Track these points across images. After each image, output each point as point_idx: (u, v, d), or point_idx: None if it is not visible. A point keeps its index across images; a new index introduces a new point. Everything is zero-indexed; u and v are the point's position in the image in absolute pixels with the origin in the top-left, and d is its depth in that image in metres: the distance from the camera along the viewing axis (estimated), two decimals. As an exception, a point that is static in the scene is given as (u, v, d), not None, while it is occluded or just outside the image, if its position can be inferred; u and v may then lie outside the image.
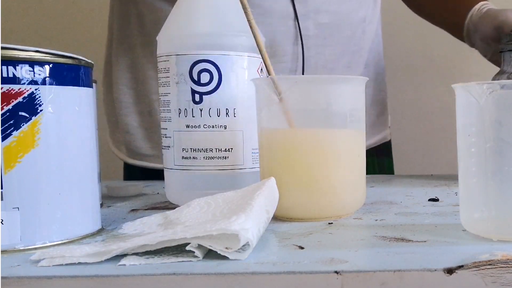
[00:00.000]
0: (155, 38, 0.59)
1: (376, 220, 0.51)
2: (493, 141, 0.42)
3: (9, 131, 0.40)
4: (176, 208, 0.49)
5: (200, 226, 0.40)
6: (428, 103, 1.29)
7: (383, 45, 0.97)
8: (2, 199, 0.40)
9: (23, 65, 0.41)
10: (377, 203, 0.60)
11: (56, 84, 0.42)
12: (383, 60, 0.97)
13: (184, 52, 0.55)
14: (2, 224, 0.41)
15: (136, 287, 0.35)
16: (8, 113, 0.40)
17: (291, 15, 0.81)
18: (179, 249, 0.39)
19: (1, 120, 0.40)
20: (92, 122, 0.47)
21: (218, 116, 0.56)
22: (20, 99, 0.41)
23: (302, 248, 0.41)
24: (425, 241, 0.43)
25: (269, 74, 0.53)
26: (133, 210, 0.58)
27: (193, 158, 0.56)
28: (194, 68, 0.55)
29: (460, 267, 0.36)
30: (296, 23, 0.81)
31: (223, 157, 0.56)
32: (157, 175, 0.76)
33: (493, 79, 0.72)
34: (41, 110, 0.41)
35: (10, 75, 0.40)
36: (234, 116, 0.56)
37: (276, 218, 0.51)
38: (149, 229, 0.45)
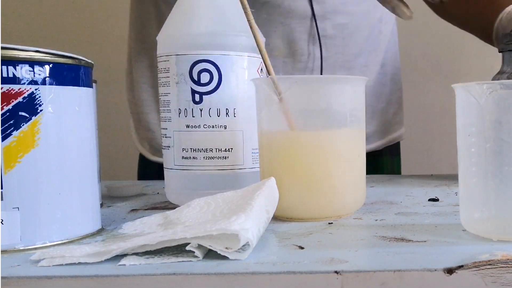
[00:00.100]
0: None
1: (376, 220, 0.51)
2: (493, 141, 0.42)
3: (9, 131, 0.40)
4: (176, 208, 0.49)
5: (200, 226, 0.40)
6: (428, 103, 1.29)
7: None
8: (2, 199, 0.40)
9: (23, 65, 0.41)
10: (377, 203, 0.60)
11: (56, 84, 0.42)
12: (399, 59, 0.98)
13: (184, 52, 0.55)
14: (2, 224, 0.41)
15: (136, 287, 0.35)
16: (8, 113, 0.40)
17: (309, 16, 0.83)
18: (179, 249, 0.39)
19: (1, 120, 0.40)
20: (92, 122, 0.47)
21: (218, 116, 0.56)
22: (20, 99, 0.41)
23: (302, 248, 0.41)
24: (425, 241, 0.43)
25: (269, 74, 0.53)
26: (133, 210, 0.58)
27: (193, 158, 0.56)
28: (194, 68, 0.55)
29: (460, 267, 0.36)
30: (314, 23, 0.83)
31: (223, 157, 0.56)
32: None
33: (493, 79, 0.72)
34: (41, 110, 0.41)
35: (10, 75, 0.40)
36: (234, 116, 0.56)
37: (276, 218, 0.51)
38: (149, 229, 0.45)
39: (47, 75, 0.42)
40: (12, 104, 0.40)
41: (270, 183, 0.48)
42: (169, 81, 0.56)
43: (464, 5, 0.89)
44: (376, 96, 0.92)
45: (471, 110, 0.43)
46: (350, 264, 0.37)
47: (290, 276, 0.35)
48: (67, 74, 0.43)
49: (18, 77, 0.40)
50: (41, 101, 0.41)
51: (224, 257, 0.38)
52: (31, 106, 0.41)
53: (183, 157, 0.56)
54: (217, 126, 0.56)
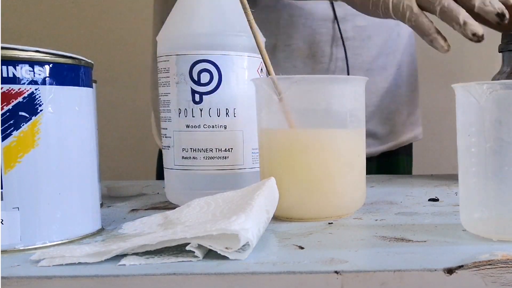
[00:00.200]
0: None
1: (376, 220, 0.51)
2: (493, 141, 0.42)
3: (9, 131, 0.40)
4: (176, 208, 0.49)
5: (200, 226, 0.40)
6: (428, 103, 1.29)
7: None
8: (2, 199, 0.40)
9: (23, 65, 0.41)
10: (377, 203, 0.60)
11: (56, 84, 0.42)
12: (416, 61, 0.99)
13: (184, 52, 0.55)
14: (2, 224, 0.41)
15: (136, 287, 0.35)
16: (8, 113, 0.40)
17: (331, 18, 0.84)
18: (179, 249, 0.39)
19: (1, 120, 0.40)
20: (92, 122, 0.47)
21: (218, 116, 0.56)
22: (20, 99, 0.41)
23: (302, 248, 0.41)
24: (425, 241, 0.43)
25: (269, 74, 0.53)
26: (133, 210, 0.58)
27: (193, 158, 0.56)
28: (194, 68, 0.55)
29: (460, 267, 0.36)
30: (336, 25, 0.84)
31: (223, 157, 0.56)
32: None
33: (493, 79, 0.72)
34: (41, 110, 0.41)
35: (10, 75, 0.40)
36: (234, 116, 0.56)
37: (276, 218, 0.51)
38: (149, 229, 0.45)
39: (47, 75, 0.42)
40: (12, 104, 0.40)
41: (270, 183, 0.48)
42: (169, 81, 0.56)
43: None
44: (392, 97, 0.93)
45: (471, 110, 0.43)
46: (350, 264, 0.37)
47: (290, 276, 0.35)
48: (67, 74, 0.43)
49: (18, 77, 0.40)
50: (41, 101, 0.41)
51: (224, 257, 0.38)
52: (31, 106, 0.41)
53: (183, 157, 0.56)
54: (217, 126, 0.56)
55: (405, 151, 1.00)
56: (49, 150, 0.42)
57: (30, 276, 0.36)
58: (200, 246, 0.38)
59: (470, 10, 0.60)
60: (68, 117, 0.43)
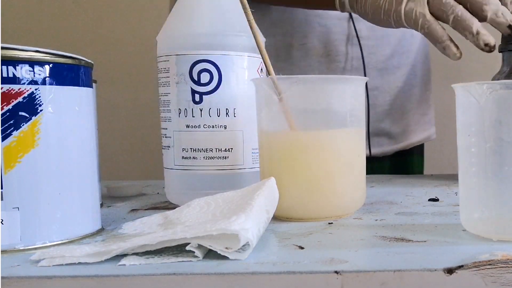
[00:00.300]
0: None
1: (376, 220, 0.51)
2: (493, 141, 0.42)
3: (9, 131, 0.40)
4: (176, 208, 0.49)
5: (200, 226, 0.40)
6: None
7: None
8: (2, 199, 0.40)
9: (23, 65, 0.41)
10: (377, 203, 0.60)
11: (56, 84, 0.42)
12: (429, 61, 0.99)
13: (184, 52, 0.55)
14: (2, 224, 0.41)
15: (136, 287, 0.35)
16: (8, 113, 0.40)
17: (346, 17, 0.85)
18: (179, 249, 0.39)
19: (1, 120, 0.40)
20: (92, 122, 0.47)
21: (218, 116, 0.56)
22: (20, 99, 0.41)
23: (302, 248, 0.41)
24: (425, 241, 0.43)
25: (269, 74, 0.53)
26: (133, 210, 0.58)
27: (193, 158, 0.56)
28: (194, 68, 0.55)
29: (460, 267, 0.36)
30: (351, 24, 0.85)
31: (223, 157, 0.56)
32: None
33: (493, 79, 0.72)
34: (41, 110, 0.41)
35: (10, 75, 0.40)
36: (234, 116, 0.56)
37: (276, 218, 0.51)
38: (149, 229, 0.45)
39: (47, 75, 0.42)
40: (12, 104, 0.40)
41: (270, 183, 0.48)
42: (169, 81, 0.56)
43: None
44: (405, 96, 0.93)
45: (471, 110, 0.43)
46: (350, 264, 0.37)
47: (290, 276, 0.35)
48: (67, 74, 0.43)
49: (18, 77, 0.40)
50: (41, 101, 0.41)
51: (224, 257, 0.38)
52: (31, 106, 0.41)
53: (183, 157, 0.56)
54: (217, 126, 0.56)
55: (418, 151, 1.00)
56: (49, 150, 0.42)
57: (30, 276, 0.36)
58: (200, 246, 0.38)
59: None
60: (68, 117, 0.43)
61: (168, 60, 0.56)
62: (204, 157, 0.56)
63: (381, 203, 0.60)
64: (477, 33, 0.59)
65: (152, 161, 1.10)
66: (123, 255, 0.38)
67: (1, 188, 0.40)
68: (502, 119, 0.41)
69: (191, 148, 0.56)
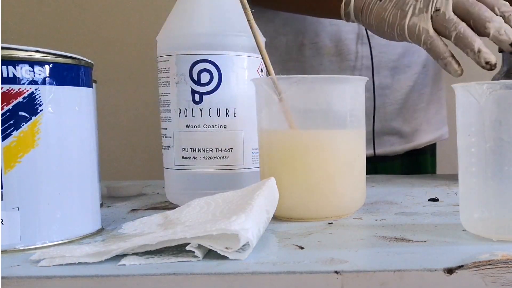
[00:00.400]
0: None
1: (376, 220, 0.51)
2: (493, 141, 0.42)
3: (9, 131, 0.40)
4: (176, 208, 0.49)
5: (200, 226, 0.40)
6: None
7: None
8: (2, 199, 0.40)
9: (23, 65, 0.41)
10: (377, 203, 0.60)
11: (56, 84, 0.42)
12: None
13: (184, 52, 0.55)
14: (2, 224, 0.41)
15: (136, 287, 0.35)
16: (8, 113, 0.40)
17: None
18: (179, 249, 0.39)
19: (1, 120, 0.40)
20: (92, 122, 0.47)
21: (218, 116, 0.56)
22: (20, 99, 0.41)
23: (302, 248, 0.41)
24: (425, 241, 0.43)
25: (269, 74, 0.53)
26: (133, 210, 0.58)
27: (193, 158, 0.56)
28: (194, 68, 0.55)
29: (460, 267, 0.36)
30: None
31: (223, 157, 0.56)
32: None
33: (493, 79, 0.72)
34: (41, 110, 0.41)
35: (10, 75, 0.40)
36: (234, 116, 0.56)
37: (276, 218, 0.51)
38: (149, 229, 0.45)
39: (47, 75, 0.42)
40: (12, 104, 0.40)
41: (270, 183, 0.48)
42: (169, 81, 0.56)
43: None
44: (417, 96, 0.93)
45: (471, 110, 0.43)
46: (350, 264, 0.37)
47: (290, 276, 0.35)
48: (67, 74, 0.43)
49: (18, 77, 0.40)
50: (41, 101, 0.41)
51: (224, 257, 0.38)
52: (31, 106, 0.41)
53: (183, 157, 0.56)
54: (217, 126, 0.56)
55: (430, 150, 1.00)
56: (49, 150, 0.42)
57: (30, 276, 0.36)
58: (200, 246, 0.38)
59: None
60: (68, 117, 0.43)
61: (168, 60, 0.56)
62: (204, 157, 0.56)
63: (381, 203, 0.60)
64: (479, 51, 0.59)
65: (152, 161, 1.10)
66: (123, 255, 0.38)
67: (1, 188, 0.40)
68: (502, 119, 0.42)
69: (191, 148, 0.56)
